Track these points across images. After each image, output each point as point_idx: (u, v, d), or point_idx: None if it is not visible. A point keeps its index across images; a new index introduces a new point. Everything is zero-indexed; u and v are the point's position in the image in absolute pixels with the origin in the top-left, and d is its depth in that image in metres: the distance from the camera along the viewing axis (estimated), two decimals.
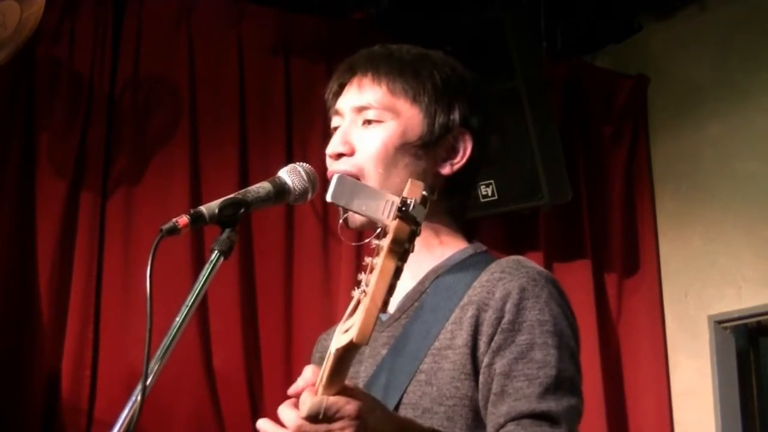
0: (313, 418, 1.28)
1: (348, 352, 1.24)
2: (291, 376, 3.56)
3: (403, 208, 1.20)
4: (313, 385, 1.33)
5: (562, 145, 3.79)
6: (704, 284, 4.10)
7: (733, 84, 4.12)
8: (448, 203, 1.70)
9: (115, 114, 3.49)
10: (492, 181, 3.64)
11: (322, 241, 3.69)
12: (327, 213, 3.69)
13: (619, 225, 4.25)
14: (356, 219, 1.64)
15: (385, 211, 1.22)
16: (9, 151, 3.31)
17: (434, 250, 1.68)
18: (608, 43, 4.48)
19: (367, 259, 1.24)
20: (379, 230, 1.23)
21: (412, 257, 1.63)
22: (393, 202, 1.22)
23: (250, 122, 3.70)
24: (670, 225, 4.29)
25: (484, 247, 1.72)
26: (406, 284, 1.67)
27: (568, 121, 4.18)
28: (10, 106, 3.33)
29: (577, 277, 4.08)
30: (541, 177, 3.61)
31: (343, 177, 1.28)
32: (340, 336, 1.25)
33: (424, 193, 1.22)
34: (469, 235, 1.74)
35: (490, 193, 3.65)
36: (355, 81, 1.69)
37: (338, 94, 1.72)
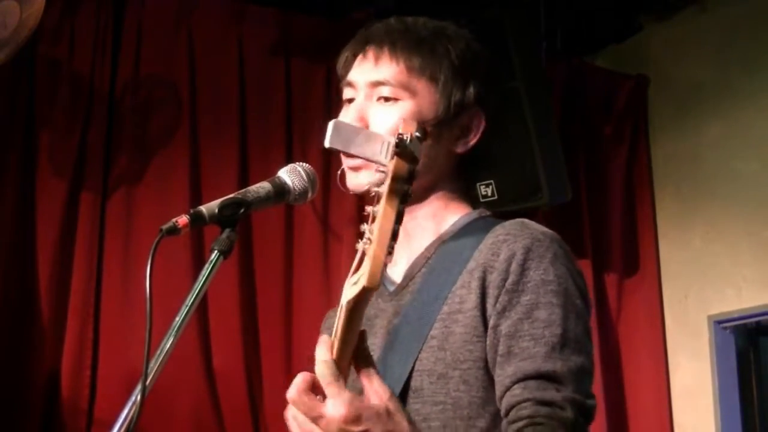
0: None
1: (360, 301, 1.23)
2: (291, 376, 3.57)
3: (400, 144, 1.19)
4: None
5: (562, 145, 3.79)
6: (704, 284, 4.10)
7: (733, 84, 4.12)
8: (458, 180, 1.70)
9: (115, 114, 3.49)
10: (492, 181, 3.64)
11: (322, 241, 3.69)
12: (327, 213, 3.69)
13: (619, 225, 4.25)
14: (357, 183, 1.63)
15: (382, 152, 1.22)
16: (9, 151, 3.31)
17: (440, 219, 1.68)
18: (608, 43, 4.49)
19: (368, 208, 1.23)
20: (374, 195, 1.23)
21: (417, 226, 1.61)
22: (389, 142, 1.21)
23: (250, 122, 3.70)
24: (670, 225, 4.29)
25: (488, 212, 1.71)
26: (411, 252, 1.67)
27: (568, 121, 4.18)
28: (10, 106, 3.33)
29: None
30: (541, 177, 3.61)
31: (339, 122, 1.28)
32: (350, 288, 1.24)
33: (417, 133, 1.21)
34: (473, 202, 1.73)
35: (490, 193, 3.64)
36: (370, 54, 1.66)
37: (351, 64, 1.70)
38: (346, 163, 1.64)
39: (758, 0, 4.04)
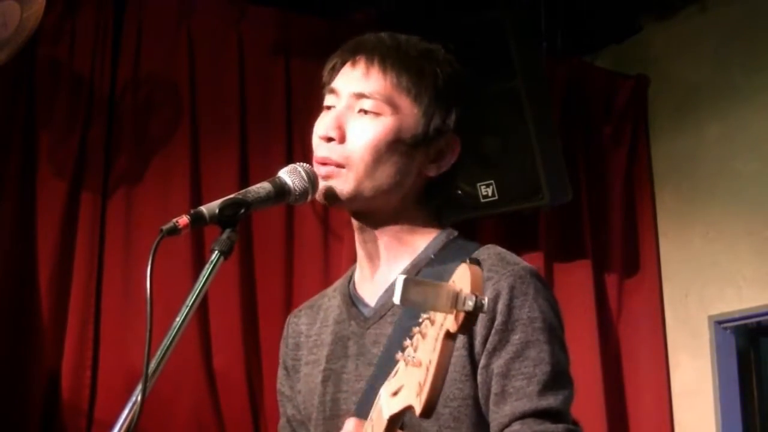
0: None
1: (402, 416, 1.28)
2: None
3: (476, 309, 1.17)
4: None
5: (562, 145, 3.79)
6: (705, 284, 4.10)
7: (733, 84, 4.12)
8: (426, 204, 1.70)
9: (115, 114, 3.49)
10: (492, 181, 3.64)
11: (322, 241, 3.69)
12: (327, 213, 3.69)
13: (619, 225, 4.24)
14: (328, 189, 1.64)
15: (448, 301, 1.21)
16: (9, 151, 3.31)
17: (409, 244, 1.68)
18: (608, 43, 4.48)
19: (415, 329, 1.23)
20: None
21: (388, 252, 1.62)
22: (456, 294, 1.18)
23: (250, 122, 3.70)
24: (670, 225, 4.29)
25: (455, 232, 1.71)
26: (385, 278, 1.67)
27: (568, 121, 4.18)
28: (10, 106, 3.33)
29: (577, 277, 4.08)
30: (541, 177, 3.61)
31: (408, 280, 1.24)
32: (389, 399, 1.28)
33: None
34: (440, 221, 1.73)
35: (490, 193, 3.64)
36: (360, 64, 1.67)
37: (338, 72, 1.70)
38: (319, 171, 1.63)
39: (758, 0, 4.03)
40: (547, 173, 3.62)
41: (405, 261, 1.67)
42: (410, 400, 1.22)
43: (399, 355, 1.26)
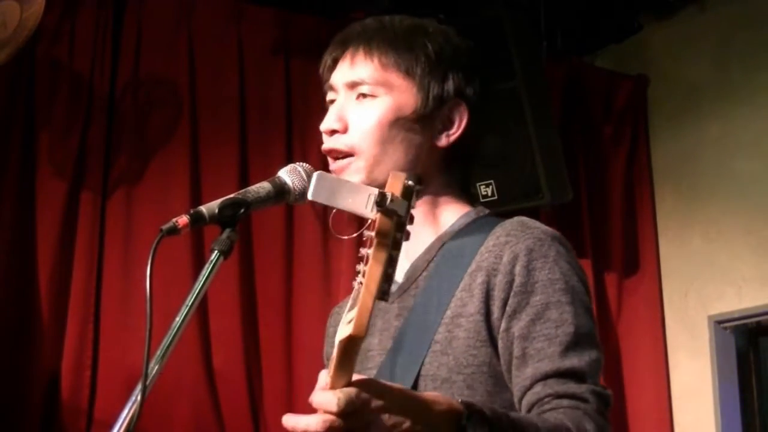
0: (347, 413, 1.24)
1: (350, 344, 1.24)
2: (291, 376, 3.58)
3: (381, 203, 1.20)
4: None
5: (562, 145, 3.79)
6: (704, 284, 4.10)
7: (733, 84, 4.12)
8: (448, 175, 1.69)
9: (115, 114, 3.49)
10: (492, 181, 3.64)
11: (322, 241, 3.69)
12: (327, 213, 3.68)
13: (619, 225, 4.25)
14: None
15: (368, 205, 1.22)
16: (9, 151, 3.31)
17: (437, 219, 1.67)
18: (608, 43, 4.48)
19: (362, 250, 1.24)
20: (369, 221, 1.23)
21: (415, 227, 1.63)
22: (373, 195, 1.21)
23: (250, 122, 3.70)
24: (670, 225, 4.29)
25: (487, 210, 1.71)
26: (412, 253, 1.66)
27: (568, 121, 4.18)
28: (10, 106, 3.33)
29: None
30: (541, 177, 3.61)
31: (323, 174, 1.28)
32: (344, 327, 1.25)
33: (407, 182, 1.21)
34: (471, 200, 1.72)
35: (490, 193, 3.65)
36: (347, 55, 1.67)
37: (332, 68, 1.70)
38: (331, 168, 1.65)
39: (758, 0, 4.04)
40: (547, 173, 3.62)
41: (431, 236, 1.66)
42: (351, 326, 1.19)
43: (354, 281, 1.25)
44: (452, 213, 1.68)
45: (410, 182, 1.22)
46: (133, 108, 3.52)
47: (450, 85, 1.66)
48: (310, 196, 1.27)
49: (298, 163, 1.62)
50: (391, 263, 1.21)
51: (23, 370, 3.20)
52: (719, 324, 4.03)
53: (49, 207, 3.33)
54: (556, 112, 3.99)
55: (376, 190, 1.21)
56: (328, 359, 1.79)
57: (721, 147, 4.12)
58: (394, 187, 1.21)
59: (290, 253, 3.68)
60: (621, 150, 4.32)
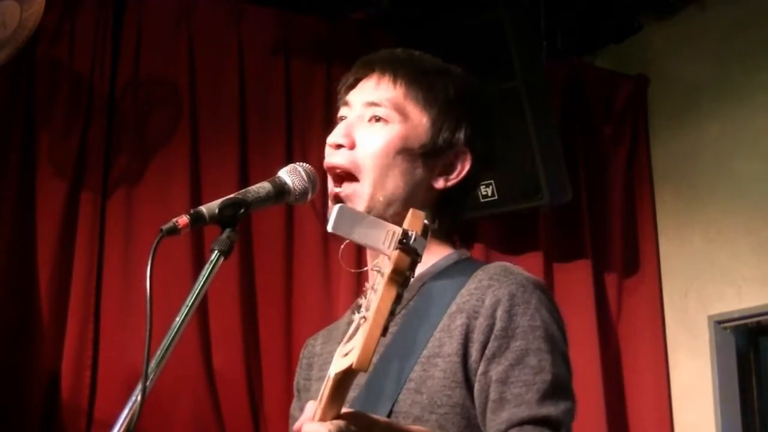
0: None
1: (347, 377, 1.25)
2: (291, 376, 3.57)
3: (404, 241, 1.21)
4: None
5: (562, 145, 3.79)
6: (704, 284, 4.09)
7: (733, 84, 4.12)
8: (436, 217, 1.69)
9: (115, 114, 3.49)
10: (492, 181, 3.64)
11: (322, 241, 3.68)
12: (327, 213, 3.68)
13: (619, 225, 4.24)
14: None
15: (386, 242, 1.22)
16: (9, 151, 3.31)
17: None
18: (608, 43, 4.48)
19: (367, 284, 1.24)
20: (380, 257, 1.24)
21: None
22: (394, 233, 1.22)
23: (250, 122, 3.70)
24: (670, 224, 4.29)
25: (468, 254, 1.73)
26: None
27: (568, 121, 4.18)
28: (10, 106, 3.33)
29: (577, 277, 4.08)
30: (541, 177, 3.61)
31: (344, 207, 1.29)
32: (340, 359, 1.26)
33: (425, 222, 1.23)
34: (453, 242, 1.74)
35: (490, 193, 3.65)
36: (374, 77, 1.70)
37: (352, 87, 1.72)
38: (332, 190, 1.66)
39: (758, 0, 4.03)
40: (547, 173, 3.62)
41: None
42: (353, 357, 1.20)
43: (356, 315, 1.25)
44: (434, 254, 1.69)
45: (427, 222, 1.23)
46: (133, 108, 3.52)
47: (462, 133, 1.68)
48: (330, 229, 1.28)
49: (298, 163, 1.62)
50: (398, 301, 1.22)
51: (23, 370, 3.20)
52: (719, 324, 4.03)
53: (49, 207, 3.32)
54: (556, 112, 3.98)
55: (396, 228, 1.23)
56: (299, 390, 1.80)
57: (721, 147, 4.12)
58: (415, 225, 1.22)
59: (290, 253, 3.67)
60: (621, 150, 4.32)
